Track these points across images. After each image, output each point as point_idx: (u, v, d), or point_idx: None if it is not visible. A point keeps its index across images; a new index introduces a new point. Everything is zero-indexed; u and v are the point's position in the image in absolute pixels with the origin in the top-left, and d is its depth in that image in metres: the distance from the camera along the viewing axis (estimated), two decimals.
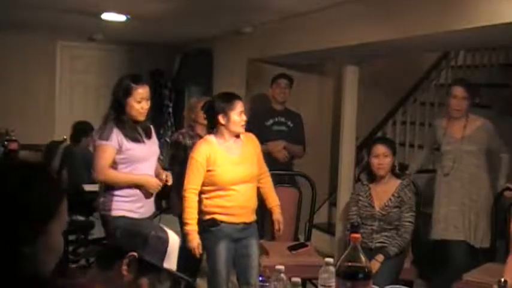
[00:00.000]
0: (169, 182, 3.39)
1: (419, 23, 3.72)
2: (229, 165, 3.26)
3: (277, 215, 3.54)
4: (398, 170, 4.08)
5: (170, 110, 7.50)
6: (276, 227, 3.55)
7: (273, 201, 3.56)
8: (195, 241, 3.22)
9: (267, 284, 2.20)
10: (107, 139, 3.16)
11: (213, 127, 3.35)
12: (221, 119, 3.26)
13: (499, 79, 5.84)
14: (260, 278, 2.30)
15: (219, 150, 3.27)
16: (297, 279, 2.16)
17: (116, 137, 3.17)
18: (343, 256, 2.00)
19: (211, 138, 3.32)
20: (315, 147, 5.95)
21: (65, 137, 6.49)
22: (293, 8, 4.74)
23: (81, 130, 5.27)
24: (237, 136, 3.34)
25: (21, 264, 1.15)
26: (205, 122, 4.27)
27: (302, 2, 4.51)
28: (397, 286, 2.68)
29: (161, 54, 7.61)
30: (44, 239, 1.18)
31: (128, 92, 3.17)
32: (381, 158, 3.77)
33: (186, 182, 3.28)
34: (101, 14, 5.31)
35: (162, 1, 4.73)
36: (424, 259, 4.19)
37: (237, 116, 3.25)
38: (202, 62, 6.94)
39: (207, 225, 3.27)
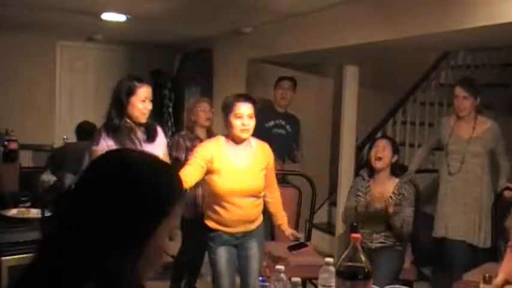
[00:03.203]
0: None
1: (419, 23, 3.72)
2: (232, 174, 3.05)
3: (288, 230, 3.35)
4: (398, 171, 4.06)
5: (170, 110, 7.50)
6: (292, 238, 3.37)
7: (280, 218, 3.37)
8: None
9: (267, 284, 2.20)
10: (96, 144, 3.08)
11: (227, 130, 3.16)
12: (224, 121, 3.12)
13: (499, 79, 5.84)
14: (260, 278, 2.29)
15: (225, 153, 3.07)
16: (297, 279, 2.16)
17: (105, 142, 3.07)
18: (343, 256, 2.00)
19: (221, 138, 3.15)
20: (315, 147, 5.95)
21: (65, 137, 6.49)
22: (293, 8, 4.74)
23: (87, 130, 5.25)
24: (240, 142, 3.11)
25: (122, 270, 1.03)
26: (206, 123, 4.26)
27: (302, 2, 4.51)
28: (397, 286, 2.67)
29: (161, 54, 7.61)
30: (151, 240, 1.06)
31: (131, 91, 3.10)
32: (380, 150, 3.75)
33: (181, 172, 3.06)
34: (100, 14, 5.31)
35: (162, 1, 4.73)
36: (425, 259, 4.19)
37: (235, 118, 3.04)
38: (202, 62, 6.94)
39: (206, 229, 3.18)
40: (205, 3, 4.78)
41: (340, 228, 5.36)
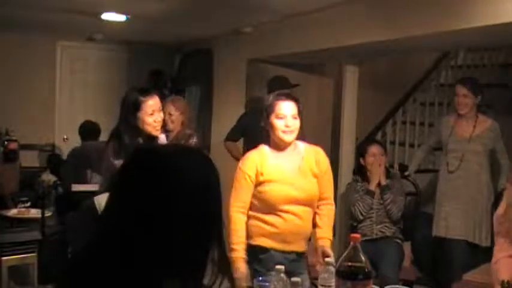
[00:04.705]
0: None
1: (419, 23, 3.72)
2: (283, 181, 2.72)
3: (326, 249, 2.70)
4: (399, 170, 4.19)
5: None
6: (320, 259, 2.67)
7: (325, 232, 2.81)
8: (241, 270, 2.59)
9: (267, 284, 2.19)
10: (118, 157, 2.87)
11: (269, 135, 2.78)
12: (265, 123, 2.76)
13: (499, 79, 5.84)
14: (260, 278, 2.29)
15: (272, 161, 2.75)
16: (297, 279, 2.16)
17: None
18: (343, 256, 2.00)
19: (264, 148, 2.80)
20: None
21: (65, 136, 6.49)
22: (293, 8, 4.74)
23: (90, 130, 5.26)
24: (284, 147, 2.78)
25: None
26: (182, 118, 4.23)
27: (302, 2, 4.51)
28: (397, 286, 2.68)
29: (161, 54, 7.60)
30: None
31: (136, 106, 2.93)
32: (378, 157, 4.01)
33: (232, 198, 2.71)
34: (100, 14, 5.30)
35: (162, 1, 4.73)
36: (424, 259, 4.19)
37: (277, 119, 2.71)
38: (202, 62, 6.94)
39: (256, 251, 2.75)
40: (205, 3, 4.77)
41: (340, 228, 5.35)
